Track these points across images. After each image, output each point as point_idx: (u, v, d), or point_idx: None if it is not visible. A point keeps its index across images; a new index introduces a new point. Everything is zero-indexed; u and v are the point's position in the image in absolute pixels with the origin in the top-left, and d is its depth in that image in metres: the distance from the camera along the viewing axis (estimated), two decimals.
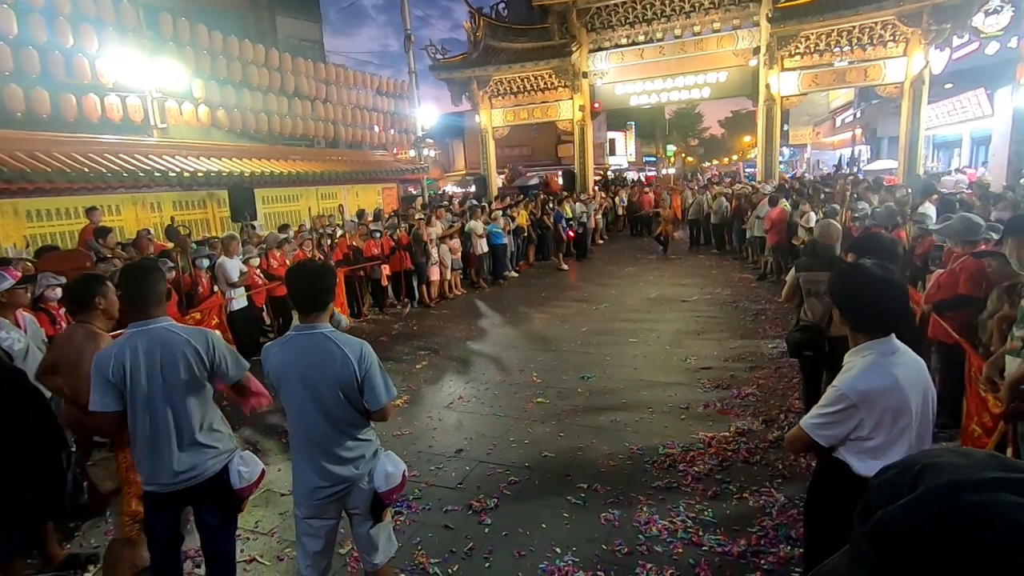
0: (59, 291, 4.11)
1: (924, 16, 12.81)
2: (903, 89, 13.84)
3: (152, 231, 8.46)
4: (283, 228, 9.59)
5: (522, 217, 12.70)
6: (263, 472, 2.59)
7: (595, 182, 20.16)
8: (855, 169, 21.15)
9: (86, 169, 9.10)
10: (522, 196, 15.96)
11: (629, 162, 40.19)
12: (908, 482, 0.58)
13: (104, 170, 9.33)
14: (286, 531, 3.45)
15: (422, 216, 10.21)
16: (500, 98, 18.13)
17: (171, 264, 6.21)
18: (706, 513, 3.38)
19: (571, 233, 13.22)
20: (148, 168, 10.06)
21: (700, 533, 3.18)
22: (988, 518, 0.51)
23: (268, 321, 7.88)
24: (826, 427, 1.90)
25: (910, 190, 8.88)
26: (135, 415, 2.30)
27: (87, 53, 9.84)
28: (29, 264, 5.46)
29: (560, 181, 21.34)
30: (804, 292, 3.93)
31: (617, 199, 19.02)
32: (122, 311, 2.68)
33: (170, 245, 7.59)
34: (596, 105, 17.51)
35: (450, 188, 28.84)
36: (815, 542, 2.26)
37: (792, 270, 4.14)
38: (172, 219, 10.15)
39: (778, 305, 8.10)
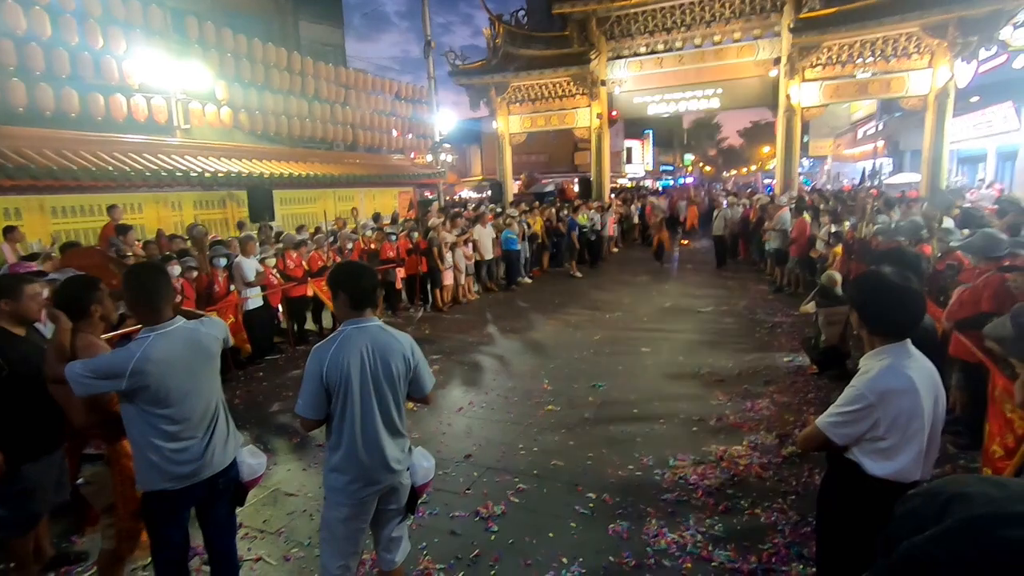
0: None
1: (950, 28, 12.59)
2: (927, 102, 13.60)
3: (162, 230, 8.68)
4: (300, 229, 9.68)
5: (537, 224, 12.70)
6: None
7: (611, 190, 20.08)
8: (876, 182, 20.82)
9: (111, 168, 9.30)
10: (536, 202, 15.95)
11: (646, 171, 40.08)
12: (935, 512, 0.55)
13: (128, 169, 9.52)
14: (293, 531, 3.47)
15: (438, 220, 10.25)
16: (518, 105, 18.18)
17: (191, 264, 6.31)
18: (716, 528, 3.32)
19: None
20: (170, 168, 10.24)
21: (710, 548, 3.13)
22: None
23: (283, 323, 7.94)
24: (843, 425, 1.94)
25: (925, 204, 8.70)
26: (185, 405, 2.28)
27: (115, 55, 10.06)
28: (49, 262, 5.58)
29: (576, 188, 21.30)
30: (824, 323, 5.49)
31: (633, 207, 18.96)
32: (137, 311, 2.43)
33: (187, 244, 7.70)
34: (613, 113, 17.45)
35: (466, 193, 28.95)
36: (827, 544, 2.25)
37: (812, 303, 6.01)
38: (195, 218, 10.35)
39: (795, 318, 7.99)
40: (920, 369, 1.91)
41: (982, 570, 0.49)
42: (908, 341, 1.95)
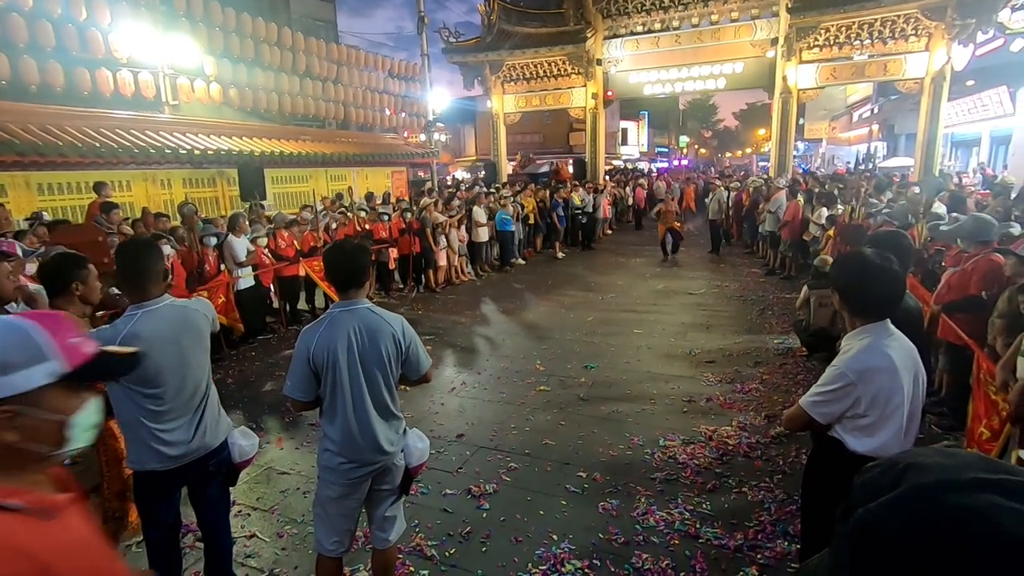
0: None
1: (948, 10, 12.49)
2: (923, 85, 13.55)
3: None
4: (305, 208, 9.50)
5: (530, 204, 12.65)
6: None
7: (606, 172, 19.98)
8: (870, 165, 20.84)
9: (97, 144, 9.12)
10: (532, 184, 15.88)
11: (641, 152, 39.84)
12: (891, 481, 0.56)
13: (115, 146, 9.34)
14: (287, 509, 3.50)
15: (429, 200, 10.18)
16: (512, 83, 17.95)
17: (173, 243, 6.25)
18: (704, 506, 3.38)
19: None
20: (159, 145, 10.06)
21: (697, 526, 3.19)
22: (970, 520, 0.49)
23: (275, 303, 7.90)
24: (824, 404, 1.99)
25: (918, 189, 8.75)
26: (173, 385, 2.26)
27: (100, 27, 9.80)
28: (34, 239, 5.48)
29: (571, 169, 21.19)
30: (815, 305, 5.38)
31: (627, 189, 18.91)
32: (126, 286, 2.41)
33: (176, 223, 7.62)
34: (609, 93, 17.29)
35: (460, 173, 28.73)
36: (810, 520, 2.30)
37: (805, 288, 5.69)
38: (186, 197, 10.21)
39: (785, 301, 8.05)
40: (900, 347, 1.95)
41: (929, 534, 0.51)
42: (888, 320, 1.98)
